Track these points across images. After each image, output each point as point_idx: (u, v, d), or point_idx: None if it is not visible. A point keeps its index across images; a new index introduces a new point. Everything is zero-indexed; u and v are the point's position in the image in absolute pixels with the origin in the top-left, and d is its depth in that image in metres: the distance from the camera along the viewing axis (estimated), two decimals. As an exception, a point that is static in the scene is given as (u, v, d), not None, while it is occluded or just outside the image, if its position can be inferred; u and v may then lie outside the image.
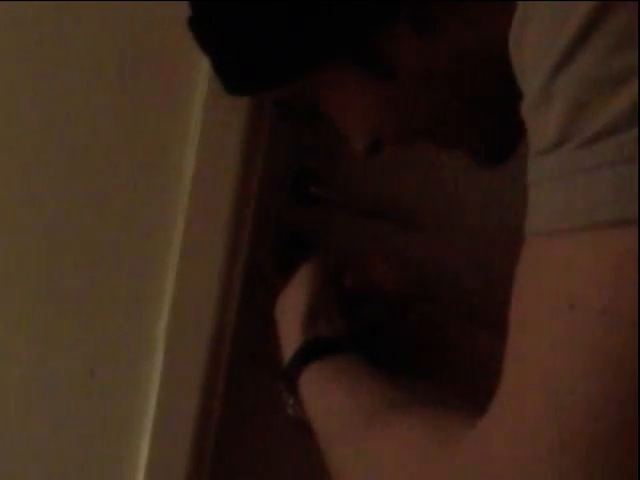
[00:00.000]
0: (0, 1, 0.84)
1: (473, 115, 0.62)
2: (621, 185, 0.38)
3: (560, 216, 0.41)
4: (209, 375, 0.91)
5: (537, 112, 0.43)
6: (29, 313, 0.91)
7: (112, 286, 0.90)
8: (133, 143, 0.88)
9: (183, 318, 0.89)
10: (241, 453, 0.99)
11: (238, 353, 0.93)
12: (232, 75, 0.65)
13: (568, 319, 0.39)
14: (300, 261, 0.84)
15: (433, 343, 0.91)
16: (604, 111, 0.39)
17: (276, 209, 0.95)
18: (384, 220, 0.98)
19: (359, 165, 0.84)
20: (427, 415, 0.52)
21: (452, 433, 0.47)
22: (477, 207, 0.97)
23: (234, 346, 0.92)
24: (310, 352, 0.71)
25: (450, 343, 0.93)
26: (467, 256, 0.98)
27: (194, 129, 0.86)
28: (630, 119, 0.38)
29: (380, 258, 0.86)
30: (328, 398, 0.66)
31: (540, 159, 0.43)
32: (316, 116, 0.67)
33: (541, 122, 0.42)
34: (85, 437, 0.93)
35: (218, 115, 0.85)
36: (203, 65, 0.83)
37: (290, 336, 0.74)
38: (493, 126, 0.63)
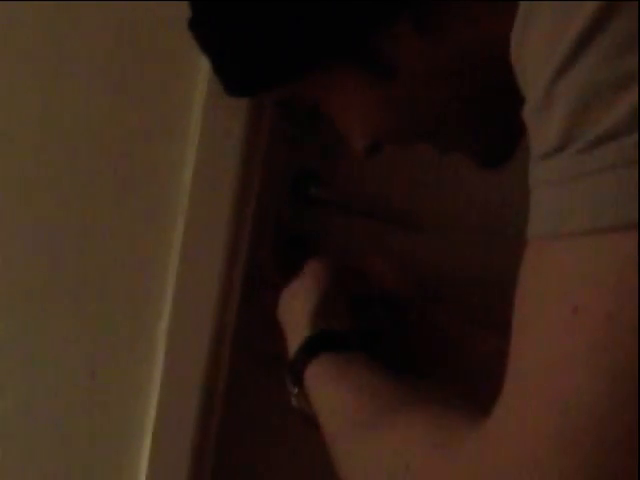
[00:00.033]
0: (0, 1, 0.84)
1: (473, 116, 0.62)
2: (622, 189, 0.38)
3: (562, 220, 0.41)
4: (210, 375, 0.91)
5: (539, 116, 0.43)
6: (29, 314, 0.91)
7: (112, 287, 0.90)
8: (133, 143, 0.88)
9: (184, 319, 0.89)
10: (242, 453, 0.99)
11: (239, 353, 0.93)
12: (232, 75, 0.65)
13: (572, 323, 0.39)
14: (300, 261, 0.84)
15: (433, 343, 0.91)
16: (605, 115, 0.39)
17: (276, 209, 0.95)
18: (384, 220, 0.98)
19: (359, 165, 0.85)
20: (431, 414, 0.52)
21: (456, 433, 0.47)
22: (477, 207, 0.97)
23: (235, 346, 0.92)
24: (317, 345, 0.72)
25: (450, 343, 0.93)
26: (467, 256, 0.98)
27: (194, 129, 0.86)
28: (631, 123, 0.39)
29: (379, 259, 0.86)
30: (334, 392, 0.67)
31: (542, 163, 0.43)
32: (316, 116, 0.67)
33: (543, 126, 0.42)
34: (86, 438, 0.93)
35: (218, 115, 0.85)
36: (203, 65, 0.83)
37: (297, 328, 0.75)
38: (493, 127, 0.63)
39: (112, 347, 0.91)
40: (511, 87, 0.48)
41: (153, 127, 0.88)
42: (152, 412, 0.91)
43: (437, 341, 0.92)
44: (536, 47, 0.43)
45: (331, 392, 0.67)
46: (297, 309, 0.76)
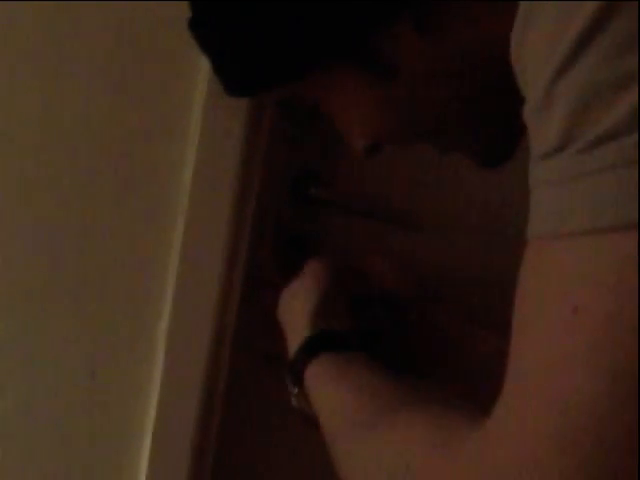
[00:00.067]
0: (0, 1, 0.84)
1: (473, 116, 0.62)
2: (622, 189, 0.39)
3: (562, 220, 0.41)
4: (210, 376, 0.91)
5: (539, 116, 0.43)
6: (29, 314, 0.91)
7: (112, 287, 0.90)
8: (133, 143, 0.88)
9: (184, 319, 0.89)
10: (242, 454, 0.99)
11: (239, 353, 0.93)
12: (232, 75, 0.65)
13: (572, 323, 0.39)
14: (300, 261, 0.84)
15: (433, 343, 0.91)
16: (605, 115, 0.39)
17: (276, 209, 0.95)
18: (384, 220, 0.97)
19: (359, 165, 0.85)
20: (431, 414, 0.52)
21: (456, 433, 0.47)
22: (477, 207, 0.97)
23: (235, 346, 0.92)
24: (317, 345, 0.72)
25: (450, 343, 0.93)
26: (467, 256, 0.98)
27: (194, 129, 0.86)
28: (631, 123, 0.39)
29: (379, 258, 0.86)
30: (334, 392, 0.67)
31: (542, 163, 0.43)
32: (316, 116, 0.67)
33: (543, 126, 0.42)
34: (86, 438, 0.93)
35: (218, 115, 0.85)
36: (203, 65, 0.83)
37: (297, 328, 0.75)
38: (493, 127, 0.63)
39: (112, 347, 0.91)
40: (511, 87, 0.48)
41: (153, 127, 0.88)
42: (152, 412, 0.91)
43: (437, 341, 0.92)
44: (536, 47, 0.43)
45: (331, 392, 0.67)
46: (297, 309, 0.76)
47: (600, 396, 0.38)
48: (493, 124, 0.63)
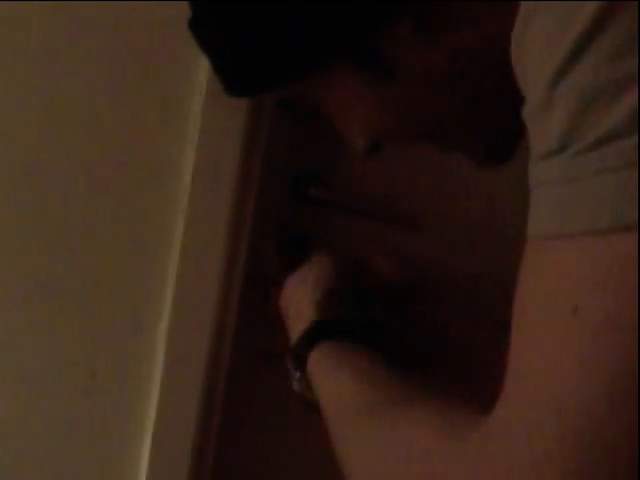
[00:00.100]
0: (0, 1, 0.84)
1: (473, 115, 0.62)
2: (622, 190, 0.39)
3: (561, 221, 0.41)
4: (210, 376, 0.91)
5: (539, 117, 0.43)
6: (29, 315, 0.91)
7: (112, 287, 0.90)
8: (132, 143, 0.88)
9: (183, 319, 0.89)
10: (242, 454, 0.99)
11: (239, 353, 0.93)
12: (232, 76, 0.65)
13: (571, 323, 0.40)
14: (301, 261, 0.84)
15: (433, 342, 0.91)
16: (606, 117, 0.39)
17: (276, 209, 0.95)
18: (384, 220, 0.98)
19: (359, 165, 0.85)
20: (432, 410, 0.52)
21: (457, 430, 0.47)
22: (477, 207, 0.97)
23: (235, 346, 0.92)
24: (323, 331, 0.72)
25: (450, 342, 0.93)
26: (467, 256, 0.98)
27: (194, 129, 0.86)
28: (631, 125, 0.39)
29: (380, 258, 0.87)
30: (336, 378, 0.67)
31: (542, 164, 0.43)
32: (316, 116, 0.67)
33: (543, 126, 0.43)
34: (86, 438, 0.93)
35: (218, 115, 0.85)
36: (203, 65, 0.83)
37: (302, 314, 0.75)
38: (493, 126, 0.63)
39: (112, 347, 0.91)
40: (511, 87, 0.48)
41: (153, 127, 0.88)
42: (152, 412, 0.91)
43: (437, 340, 0.92)
44: (536, 48, 0.43)
45: (333, 378, 0.67)
46: (303, 296, 0.77)
47: (600, 396, 0.38)
48: (493, 124, 0.63)
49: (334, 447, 0.61)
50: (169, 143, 0.88)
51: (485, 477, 0.42)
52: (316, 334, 0.73)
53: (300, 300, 0.78)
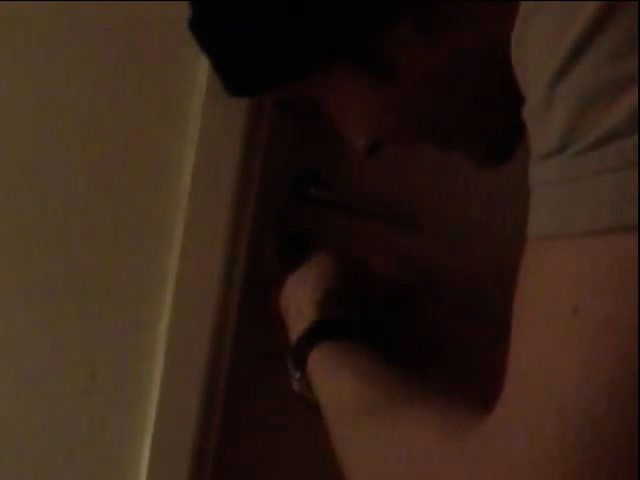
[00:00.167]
0: (0, 1, 0.84)
1: (473, 115, 0.62)
2: (622, 191, 0.39)
3: (561, 221, 0.41)
4: (210, 376, 0.91)
5: (539, 117, 0.43)
6: (29, 315, 0.91)
7: (112, 287, 0.90)
8: (132, 143, 0.88)
9: (184, 319, 0.89)
10: (242, 454, 0.99)
11: (239, 353, 0.93)
12: (232, 75, 0.65)
13: (572, 323, 0.40)
14: (302, 260, 0.84)
15: (433, 342, 0.91)
16: (606, 117, 0.39)
17: (276, 209, 0.95)
18: (384, 220, 0.97)
19: (359, 165, 0.85)
20: (433, 410, 0.52)
21: (457, 430, 0.47)
22: (477, 207, 0.97)
23: (235, 346, 0.92)
24: (323, 331, 0.72)
25: (450, 342, 0.93)
26: (467, 256, 0.98)
27: (193, 129, 0.86)
28: (631, 125, 0.39)
29: (380, 258, 0.87)
30: (336, 378, 0.67)
31: (542, 164, 0.43)
32: (316, 116, 0.67)
33: (543, 127, 0.43)
34: (86, 439, 0.93)
35: (218, 115, 0.85)
36: (203, 65, 0.83)
37: (303, 313, 0.75)
38: (493, 126, 0.63)
39: (112, 347, 0.91)
40: (511, 87, 0.48)
41: (153, 127, 0.88)
42: (152, 412, 0.91)
43: (437, 341, 0.92)
44: (537, 48, 0.43)
45: (333, 378, 0.67)
46: (303, 295, 0.77)
47: (599, 396, 0.38)
48: (493, 124, 0.63)
49: (334, 447, 0.61)
50: (169, 143, 0.88)
51: (485, 477, 0.42)
52: (316, 334, 0.73)
53: (300, 300, 0.78)
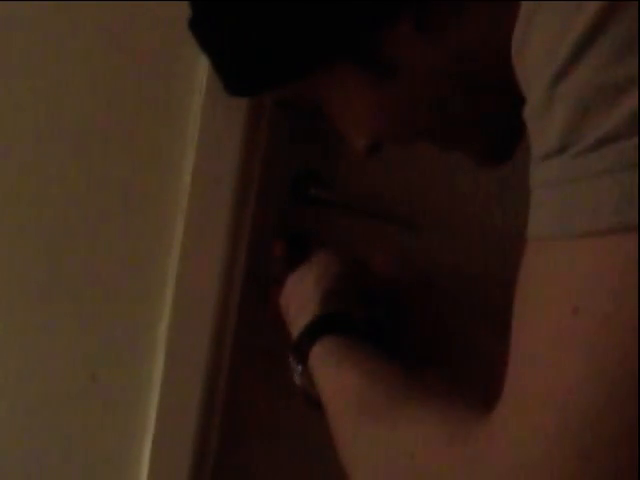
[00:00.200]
0: (0, 1, 0.84)
1: (474, 115, 0.61)
2: (622, 192, 0.39)
3: (561, 222, 0.41)
4: (210, 375, 0.91)
5: (539, 117, 0.43)
6: (29, 315, 0.91)
7: (112, 288, 0.90)
8: (132, 143, 0.88)
9: (184, 319, 0.89)
10: (243, 454, 0.99)
11: (239, 353, 0.93)
12: (232, 75, 0.65)
13: (572, 323, 0.40)
14: (301, 261, 0.84)
15: (434, 342, 0.91)
16: (606, 118, 0.39)
17: (276, 209, 0.95)
18: (384, 220, 0.97)
19: (359, 165, 0.85)
20: (433, 409, 0.52)
21: (458, 429, 0.47)
22: (477, 207, 0.97)
23: (235, 347, 0.92)
24: (325, 326, 0.72)
25: (451, 342, 0.93)
26: (467, 256, 0.98)
27: (193, 129, 0.86)
28: (631, 127, 0.39)
29: (381, 258, 0.87)
30: (338, 374, 0.67)
31: (542, 164, 0.43)
32: (316, 116, 0.67)
33: (543, 127, 0.43)
34: (86, 438, 0.93)
35: (217, 115, 0.85)
36: (203, 65, 0.83)
37: (305, 309, 0.75)
38: (493, 126, 0.63)
39: (112, 348, 0.91)
40: (511, 87, 0.48)
41: (153, 127, 0.88)
42: (152, 412, 0.91)
43: (437, 340, 0.92)
44: (537, 48, 0.43)
45: (335, 373, 0.67)
46: (305, 292, 0.77)
47: (600, 396, 0.38)
48: (493, 124, 0.63)
49: (335, 442, 0.61)
50: (169, 143, 0.88)
51: (485, 476, 0.43)
52: (318, 328, 0.73)
53: (301, 298, 0.78)
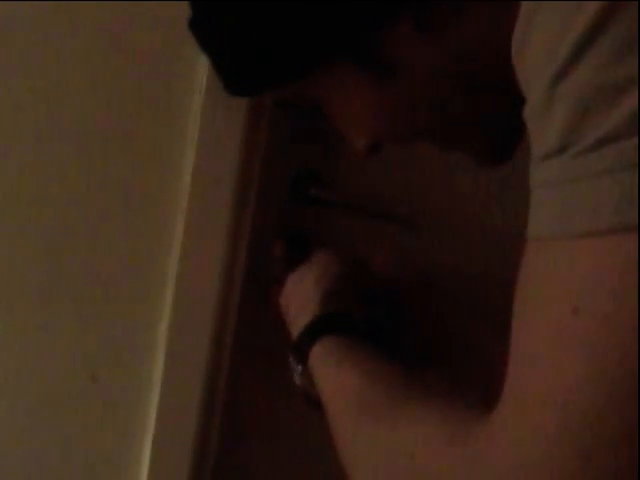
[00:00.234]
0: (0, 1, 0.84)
1: (474, 115, 0.61)
2: (622, 192, 0.39)
3: (561, 222, 0.41)
4: (210, 375, 0.91)
5: (539, 117, 0.43)
6: (29, 315, 0.91)
7: (112, 288, 0.90)
8: (132, 143, 0.88)
9: (184, 319, 0.89)
10: (243, 454, 0.99)
11: (239, 353, 0.93)
12: (232, 75, 0.64)
13: (572, 323, 0.40)
14: (301, 261, 0.84)
15: (434, 342, 0.91)
16: (606, 118, 0.39)
17: (276, 209, 0.95)
18: (384, 220, 0.98)
19: (359, 165, 0.85)
20: (434, 409, 0.52)
21: (458, 429, 0.47)
22: (477, 207, 0.97)
23: (235, 347, 0.92)
24: (325, 325, 0.72)
25: (451, 342, 0.93)
26: (467, 256, 0.98)
27: (193, 129, 0.86)
28: (631, 127, 0.39)
29: (381, 259, 0.87)
30: (338, 374, 0.67)
31: (542, 164, 0.43)
32: (316, 116, 0.67)
33: (543, 127, 0.43)
34: (86, 438, 0.93)
35: (217, 115, 0.85)
36: (203, 65, 0.83)
37: (305, 309, 0.75)
38: (493, 126, 0.63)
39: (112, 348, 0.91)
40: (511, 87, 0.48)
41: (153, 127, 0.88)
42: (152, 412, 0.91)
43: (437, 340, 0.92)
44: (537, 48, 0.43)
45: (335, 373, 0.68)
46: (305, 292, 0.77)
47: (600, 396, 0.38)
48: (493, 124, 0.62)
49: (335, 441, 0.61)
50: (169, 143, 0.88)
51: (486, 476, 0.43)
52: (318, 328, 0.73)
53: (301, 298, 0.78)
